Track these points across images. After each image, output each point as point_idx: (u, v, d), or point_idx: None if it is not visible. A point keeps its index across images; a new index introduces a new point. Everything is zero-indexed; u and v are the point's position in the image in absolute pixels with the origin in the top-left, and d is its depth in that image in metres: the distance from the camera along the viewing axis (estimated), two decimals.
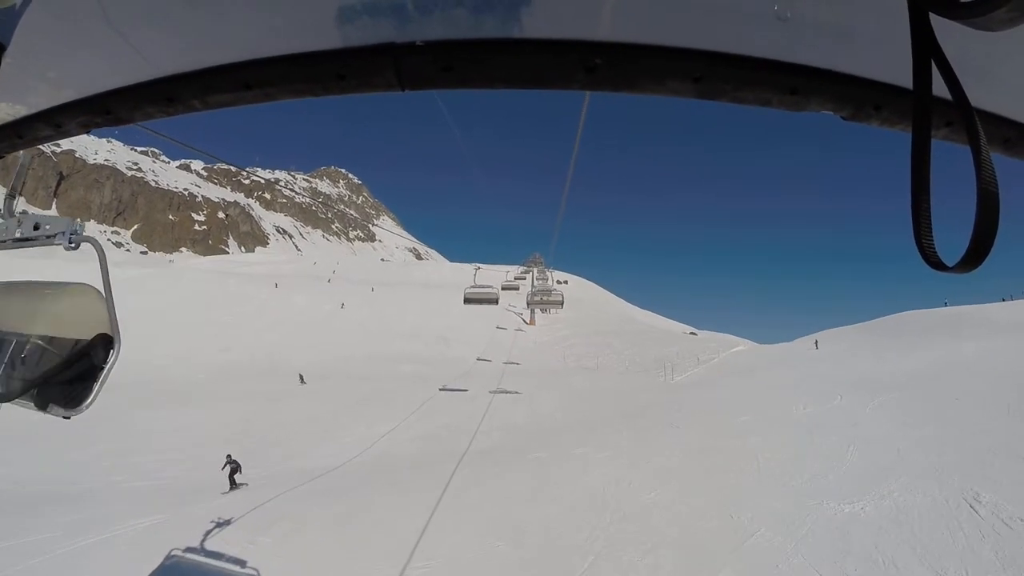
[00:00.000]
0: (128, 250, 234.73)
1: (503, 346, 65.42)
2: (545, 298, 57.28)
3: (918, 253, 1.05)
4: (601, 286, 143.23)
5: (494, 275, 62.14)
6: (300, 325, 70.99)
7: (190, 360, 54.05)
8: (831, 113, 1.56)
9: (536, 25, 1.41)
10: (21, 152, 2.18)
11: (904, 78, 1.24)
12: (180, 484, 22.86)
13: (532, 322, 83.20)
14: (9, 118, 1.93)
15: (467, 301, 38.69)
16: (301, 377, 46.42)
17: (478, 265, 50.32)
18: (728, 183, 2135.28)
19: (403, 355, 60.15)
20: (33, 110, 1.89)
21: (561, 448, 24.81)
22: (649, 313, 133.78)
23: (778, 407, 27.96)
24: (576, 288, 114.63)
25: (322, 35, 1.48)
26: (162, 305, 72.54)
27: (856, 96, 1.54)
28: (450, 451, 25.32)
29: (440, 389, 31.09)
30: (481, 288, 38.52)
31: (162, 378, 45.67)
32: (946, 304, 63.66)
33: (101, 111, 1.81)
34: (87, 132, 1.98)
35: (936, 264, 1.05)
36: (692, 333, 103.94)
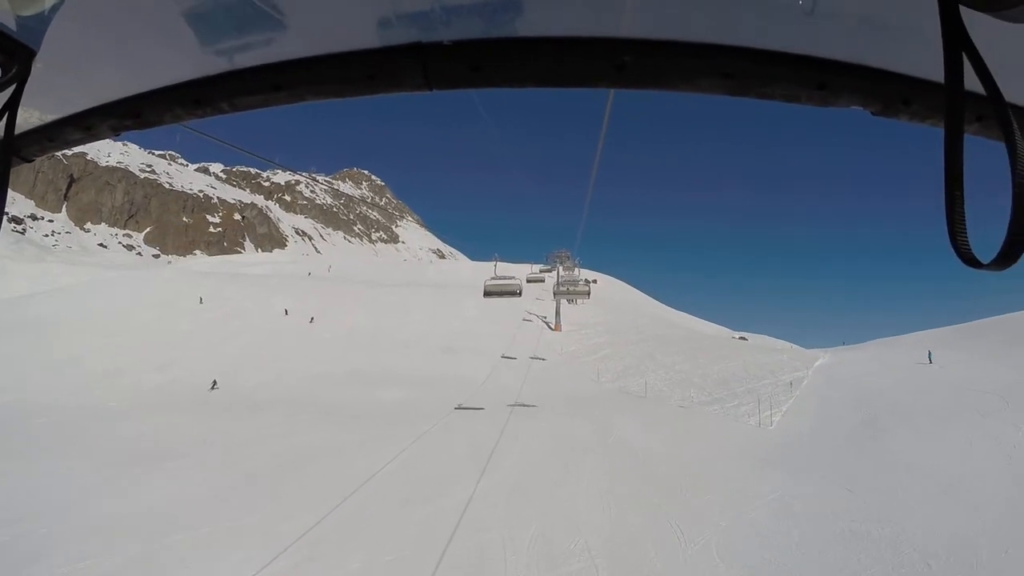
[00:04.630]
0: (140, 253, 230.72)
1: (519, 363, 51.09)
2: (572, 288, 60.95)
3: (952, 250, 1.06)
4: (632, 286, 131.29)
5: (515, 272, 50.86)
6: (273, 334, 58.77)
7: (116, 380, 42.68)
8: (860, 108, 1.54)
9: (563, 23, 1.43)
10: None
11: (935, 72, 1.29)
12: None
13: (557, 327, 68.92)
14: (40, 122, 1.94)
15: (487, 294, 39.65)
16: (214, 383, 37.44)
17: (497, 255, 46.13)
18: (745, 179, 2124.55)
19: (392, 373, 46.79)
20: (63, 113, 1.90)
21: None
22: (684, 315, 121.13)
23: None
24: (607, 287, 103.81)
25: (351, 36, 1.52)
26: (114, 311, 63.26)
27: (885, 91, 1.53)
28: None
29: None
30: (502, 280, 39.05)
31: (63, 406, 35.23)
32: None
33: (131, 114, 1.83)
34: (117, 135, 2.02)
35: (971, 261, 1.06)
36: (742, 338, 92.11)
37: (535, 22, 1.40)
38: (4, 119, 1.60)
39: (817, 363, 47.79)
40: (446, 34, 1.45)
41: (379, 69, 1.53)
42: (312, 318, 62.78)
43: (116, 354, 49.19)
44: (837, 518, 18.94)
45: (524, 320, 69.06)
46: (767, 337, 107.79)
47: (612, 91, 3.74)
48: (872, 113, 1.53)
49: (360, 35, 1.49)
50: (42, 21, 1.47)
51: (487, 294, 38.17)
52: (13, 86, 1.58)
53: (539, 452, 25.01)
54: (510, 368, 48.01)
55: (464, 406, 34.60)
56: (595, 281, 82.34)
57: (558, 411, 33.59)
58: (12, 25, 1.49)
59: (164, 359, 48.70)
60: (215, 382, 37.41)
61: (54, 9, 1.43)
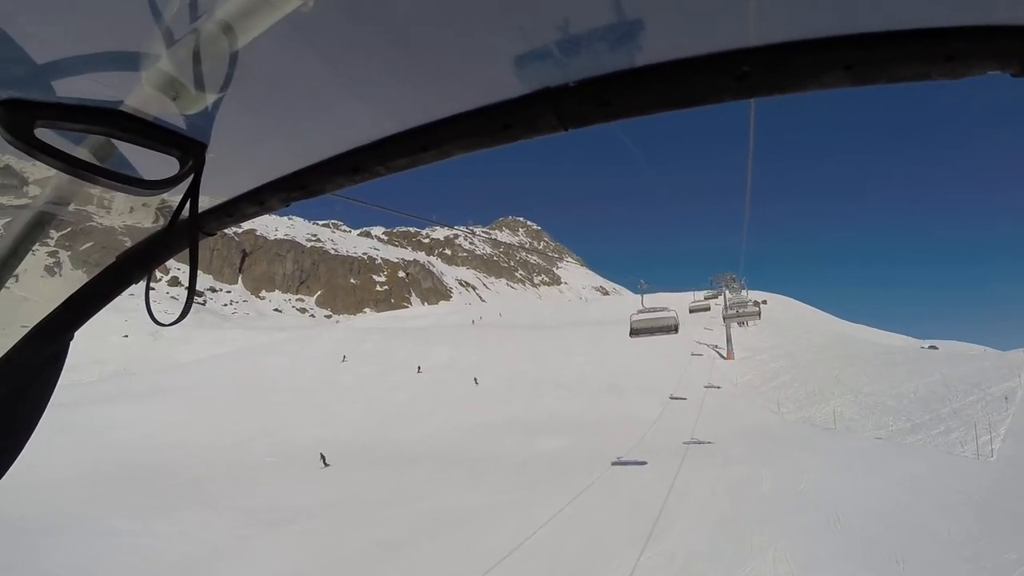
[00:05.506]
0: (312, 315, 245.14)
1: (690, 402, 46.85)
2: (741, 311, 58.19)
3: None
4: (804, 303, 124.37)
5: (674, 303, 46.58)
6: (430, 384, 58.67)
7: (275, 435, 43.68)
8: (998, 73, 1.37)
9: (680, 45, 1.42)
10: None
11: None
12: None
13: (730, 355, 65.06)
14: (219, 201, 2.16)
15: (634, 332, 31.45)
16: (323, 458, 34.51)
17: (644, 283, 39.19)
18: (904, 182, 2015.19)
19: (554, 419, 44.88)
20: (239, 192, 2.13)
21: None
22: (863, 327, 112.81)
23: None
24: (778, 307, 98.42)
25: (485, 91, 1.60)
26: (282, 369, 66.44)
27: (1019, 47, 1.34)
28: None
29: None
30: (652, 314, 30.94)
31: (220, 459, 36.68)
32: None
33: (297, 186, 2.04)
34: (286, 206, 2.21)
35: None
36: (932, 347, 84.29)
37: (654, 49, 1.39)
38: (188, 202, 1.82)
39: None
40: (572, 75, 1.48)
41: (515, 117, 1.60)
42: (476, 379, 60.06)
43: (278, 410, 50.28)
44: None
45: (693, 354, 64.81)
46: (958, 343, 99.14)
47: (753, 103, 4.44)
48: (1012, 75, 1.34)
49: (493, 89, 1.56)
50: (207, 117, 1.67)
51: (634, 333, 31.18)
52: (192, 175, 1.78)
53: (714, 513, 21.11)
54: (680, 408, 44.56)
55: (623, 460, 29.90)
56: (765, 302, 78.18)
57: (736, 453, 29.93)
58: (183, 124, 1.69)
59: (324, 414, 49.27)
60: (323, 457, 34.84)
61: (215, 105, 1.63)
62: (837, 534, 18.47)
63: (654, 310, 31.22)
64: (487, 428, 43.41)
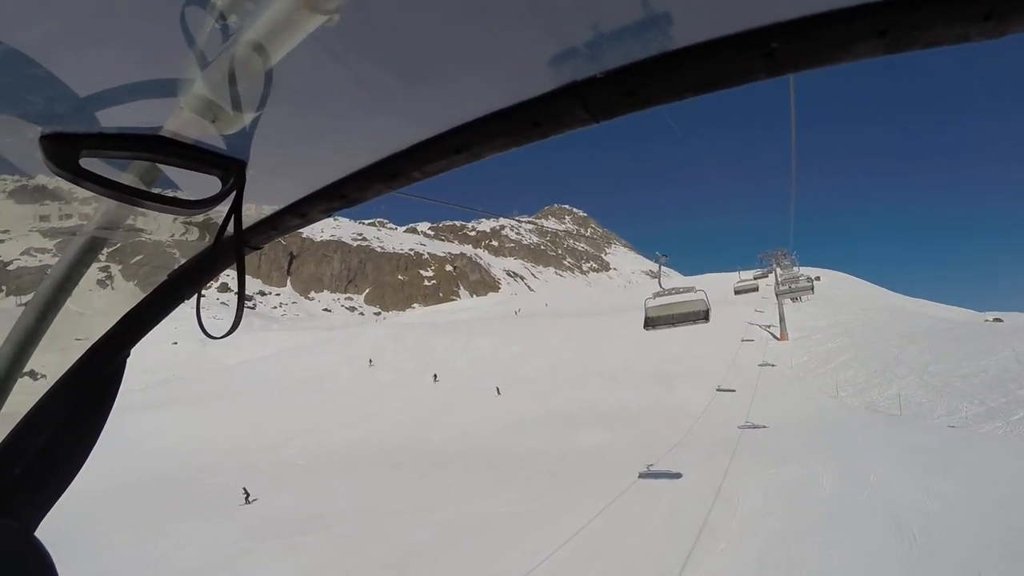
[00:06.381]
0: (361, 313, 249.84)
1: (740, 393, 42.40)
2: (793, 286, 56.76)
3: None
4: (860, 278, 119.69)
5: (712, 285, 42.92)
6: (472, 380, 56.82)
7: (309, 437, 43.16)
8: None
9: (706, 26, 1.38)
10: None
11: None
12: None
13: (783, 336, 62.12)
14: (262, 216, 2.24)
15: (650, 323, 22.78)
16: (246, 494, 29.28)
17: (660, 255, 29.33)
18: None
19: (596, 411, 42.79)
20: (281, 206, 2.18)
21: None
22: (922, 302, 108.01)
23: None
24: (832, 284, 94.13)
25: (513, 91, 1.61)
26: (322, 369, 67.10)
27: None
28: None
29: None
30: (673, 297, 22.51)
31: (250, 463, 36.41)
32: None
33: (337, 196, 2.08)
34: (328, 216, 2.25)
35: None
36: (996, 320, 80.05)
37: (680, 32, 1.36)
38: (232, 219, 1.84)
39: None
40: (597, 67, 1.45)
41: (543, 114, 1.60)
42: (498, 388, 54.07)
43: (315, 411, 49.88)
44: None
45: (744, 340, 61.15)
46: (1019, 314, 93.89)
47: (792, 78, 4.13)
48: None
49: (521, 88, 1.55)
50: (245, 136, 1.70)
51: (650, 323, 23.00)
52: (234, 192, 1.82)
53: (765, 526, 17.58)
54: (730, 398, 41.37)
55: (652, 471, 25.11)
56: (818, 278, 74.39)
57: (791, 446, 26.76)
58: (222, 144, 1.72)
59: (360, 414, 48.60)
60: (246, 491, 29.40)
61: (253, 124, 1.65)
62: (914, 559, 14.29)
63: (676, 291, 23.20)
64: (526, 423, 41.59)
